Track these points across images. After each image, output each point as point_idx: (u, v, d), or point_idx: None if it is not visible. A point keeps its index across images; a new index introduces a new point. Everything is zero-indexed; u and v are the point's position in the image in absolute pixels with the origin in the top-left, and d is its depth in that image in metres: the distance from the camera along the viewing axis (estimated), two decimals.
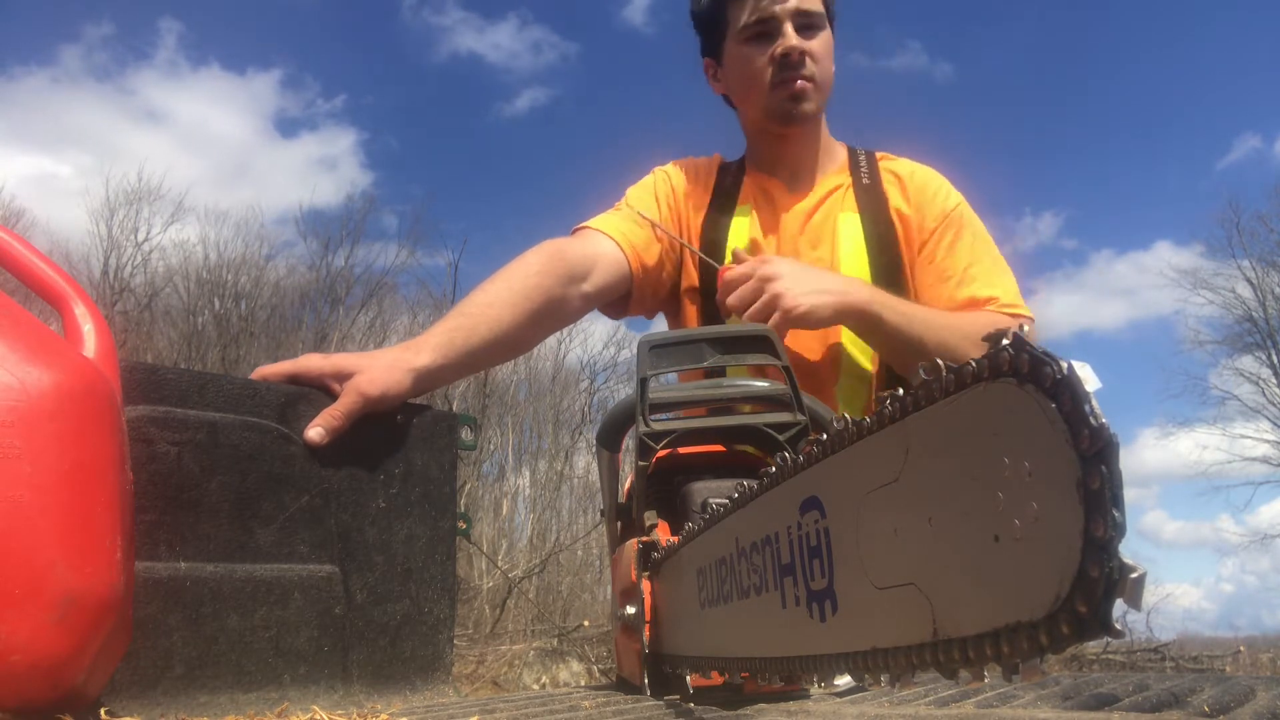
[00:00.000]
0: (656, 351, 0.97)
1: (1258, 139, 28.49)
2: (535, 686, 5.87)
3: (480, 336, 1.27)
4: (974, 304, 1.51)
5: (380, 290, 17.70)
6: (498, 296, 1.32)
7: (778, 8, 1.51)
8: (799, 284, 1.32)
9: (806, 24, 1.53)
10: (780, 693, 0.86)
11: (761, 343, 0.96)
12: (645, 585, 0.92)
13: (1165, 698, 0.77)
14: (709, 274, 1.54)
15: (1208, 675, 0.96)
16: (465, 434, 1.23)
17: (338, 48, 26.93)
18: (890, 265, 1.55)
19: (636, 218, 1.58)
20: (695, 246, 1.61)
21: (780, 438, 0.93)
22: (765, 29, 1.53)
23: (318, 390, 1.10)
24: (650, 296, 1.61)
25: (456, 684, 1.17)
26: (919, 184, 1.59)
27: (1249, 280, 19.28)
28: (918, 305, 1.45)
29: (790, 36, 1.51)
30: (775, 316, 1.29)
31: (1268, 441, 18.90)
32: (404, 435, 1.15)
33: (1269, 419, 19.00)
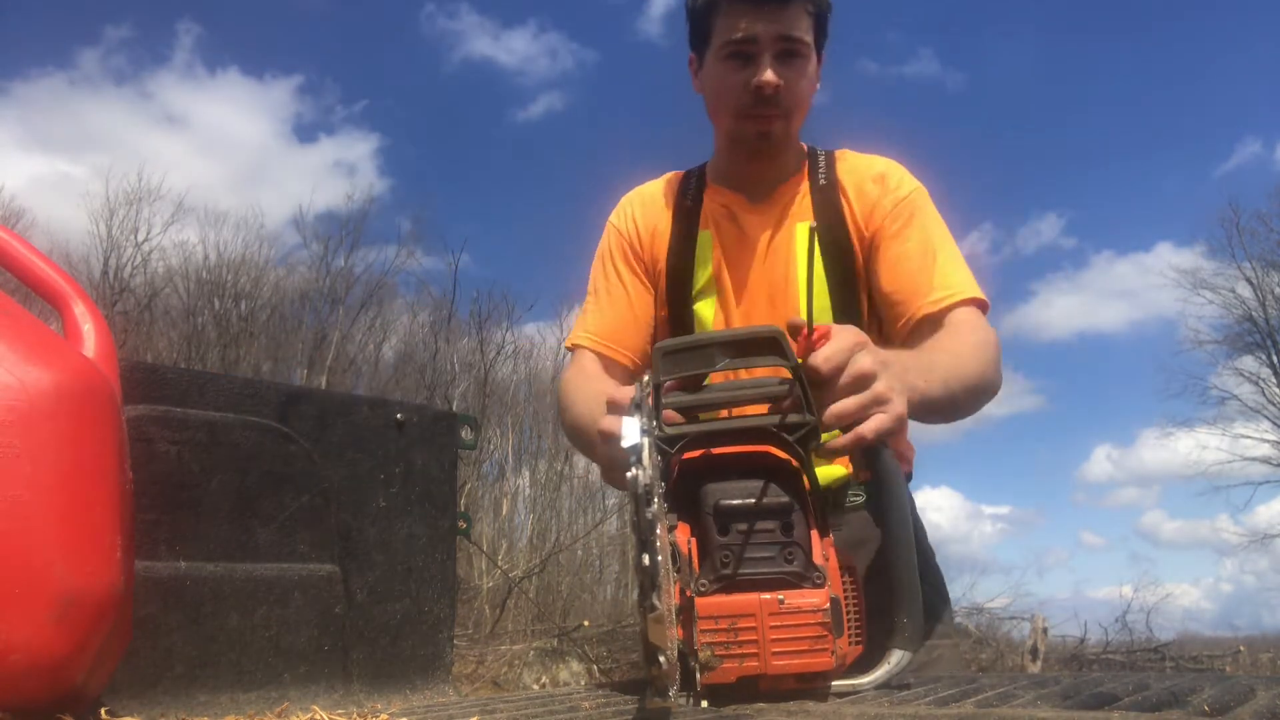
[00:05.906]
0: (670, 358, 0.97)
1: (1258, 144, 28.56)
2: (535, 686, 5.88)
3: None
4: (936, 307, 1.44)
5: (380, 290, 17.74)
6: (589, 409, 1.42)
7: (761, 29, 1.47)
8: (894, 381, 1.02)
9: (789, 50, 1.49)
10: (795, 690, 0.86)
11: (771, 344, 0.97)
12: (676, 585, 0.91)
13: (1165, 697, 0.77)
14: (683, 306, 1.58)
15: (1208, 675, 0.96)
16: (465, 434, 1.23)
17: (354, 54, 27.07)
18: (846, 274, 1.54)
19: (603, 307, 1.63)
20: (662, 281, 1.62)
21: (790, 438, 0.94)
22: (744, 49, 1.49)
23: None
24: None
25: (456, 684, 1.17)
26: (876, 175, 1.58)
27: (1249, 280, 19.35)
28: (936, 356, 1.28)
29: (766, 69, 1.47)
30: (882, 420, 0.98)
31: (1268, 441, 18.97)
32: (404, 435, 1.15)
33: (1269, 419, 19.06)
